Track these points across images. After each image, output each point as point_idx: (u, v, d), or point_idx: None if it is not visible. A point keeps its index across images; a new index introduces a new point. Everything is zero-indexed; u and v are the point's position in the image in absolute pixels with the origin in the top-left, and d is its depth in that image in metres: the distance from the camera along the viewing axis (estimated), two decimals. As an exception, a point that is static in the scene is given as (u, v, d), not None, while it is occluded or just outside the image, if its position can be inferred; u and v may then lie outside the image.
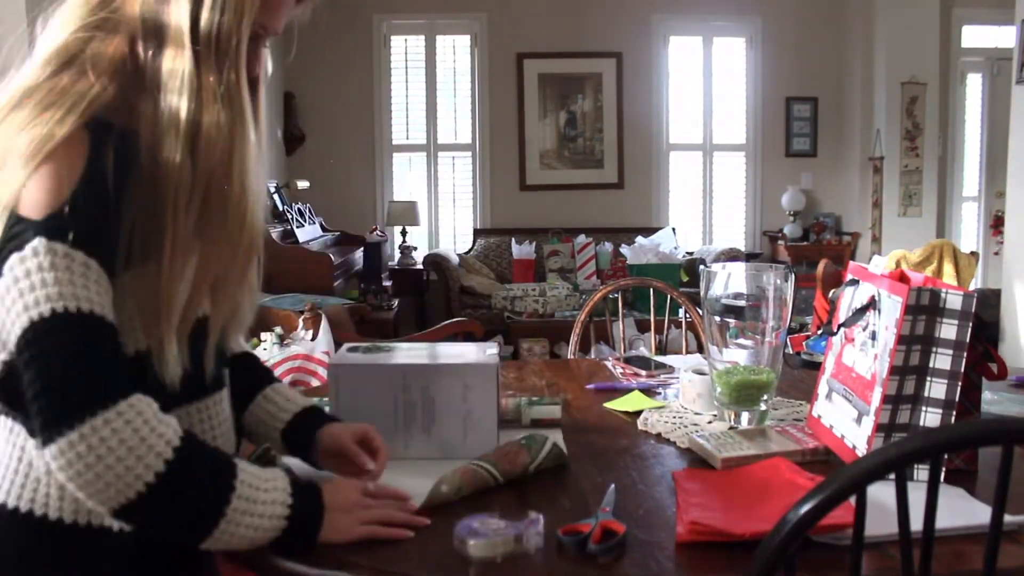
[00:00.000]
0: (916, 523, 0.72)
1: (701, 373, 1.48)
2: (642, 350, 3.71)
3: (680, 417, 1.43)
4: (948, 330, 1.11)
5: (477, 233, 6.41)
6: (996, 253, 6.16)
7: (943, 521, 0.77)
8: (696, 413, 1.45)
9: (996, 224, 6.21)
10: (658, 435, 1.35)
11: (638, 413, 1.46)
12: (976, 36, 6.45)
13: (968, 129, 6.62)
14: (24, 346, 0.82)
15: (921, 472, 1.11)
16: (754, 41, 6.51)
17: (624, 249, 5.94)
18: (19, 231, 0.83)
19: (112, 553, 0.92)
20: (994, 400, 1.49)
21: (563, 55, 6.35)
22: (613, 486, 1.09)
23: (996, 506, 0.72)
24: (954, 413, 1.10)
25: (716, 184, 6.66)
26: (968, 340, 1.10)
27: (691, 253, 6.15)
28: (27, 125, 0.85)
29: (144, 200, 0.88)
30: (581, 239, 6.08)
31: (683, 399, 1.51)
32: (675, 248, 6.04)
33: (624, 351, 2.39)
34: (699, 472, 1.16)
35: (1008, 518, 0.93)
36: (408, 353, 1.33)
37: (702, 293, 1.42)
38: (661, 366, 1.82)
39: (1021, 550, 0.91)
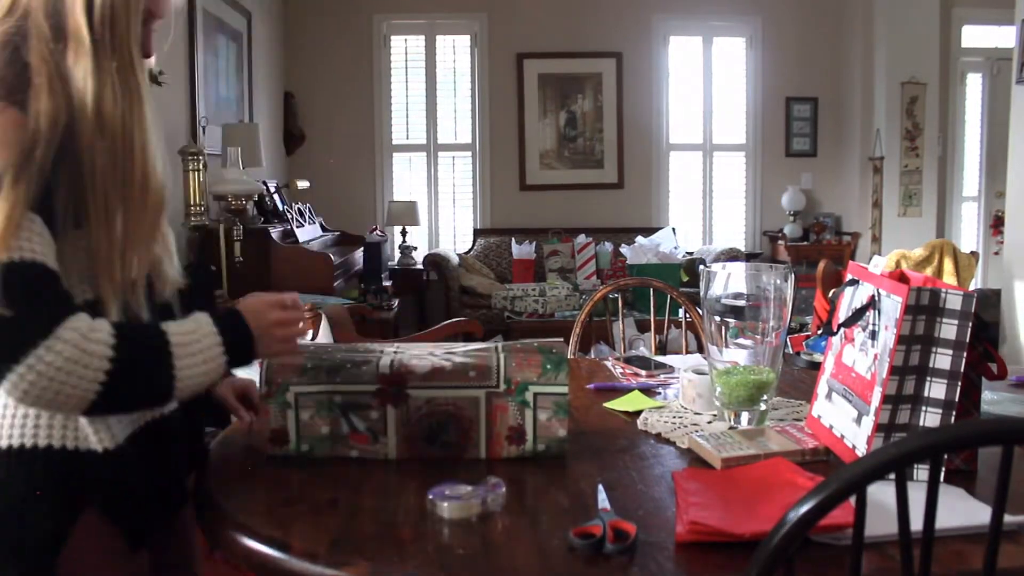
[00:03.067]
0: (916, 523, 0.72)
1: (701, 373, 1.48)
2: (642, 350, 3.71)
3: (680, 417, 1.43)
4: (948, 330, 1.11)
5: (477, 233, 6.41)
6: (996, 253, 6.16)
7: (943, 521, 0.77)
8: (696, 413, 1.45)
9: (996, 224, 6.21)
10: (658, 435, 1.35)
11: (638, 413, 1.46)
12: (976, 36, 6.45)
13: (968, 129, 6.61)
14: None
15: (921, 472, 1.12)
16: (754, 41, 6.51)
17: (624, 249, 5.94)
18: None
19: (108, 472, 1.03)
20: (994, 400, 1.49)
21: (563, 55, 6.35)
22: (600, 485, 1.09)
23: (996, 506, 0.72)
24: (954, 413, 1.10)
25: (716, 184, 6.66)
26: (968, 340, 1.10)
27: (691, 253, 6.15)
28: None
29: (72, 176, 0.99)
30: (581, 239, 6.08)
31: (683, 399, 1.51)
32: (675, 248, 6.04)
33: (624, 351, 2.39)
34: (699, 472, 1.16)
35: (1008, 518, 0.93)
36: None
37: (702, 293, 1.42)
38: (661, 366, 1.82)
39: (1021, 550, 0.91)
